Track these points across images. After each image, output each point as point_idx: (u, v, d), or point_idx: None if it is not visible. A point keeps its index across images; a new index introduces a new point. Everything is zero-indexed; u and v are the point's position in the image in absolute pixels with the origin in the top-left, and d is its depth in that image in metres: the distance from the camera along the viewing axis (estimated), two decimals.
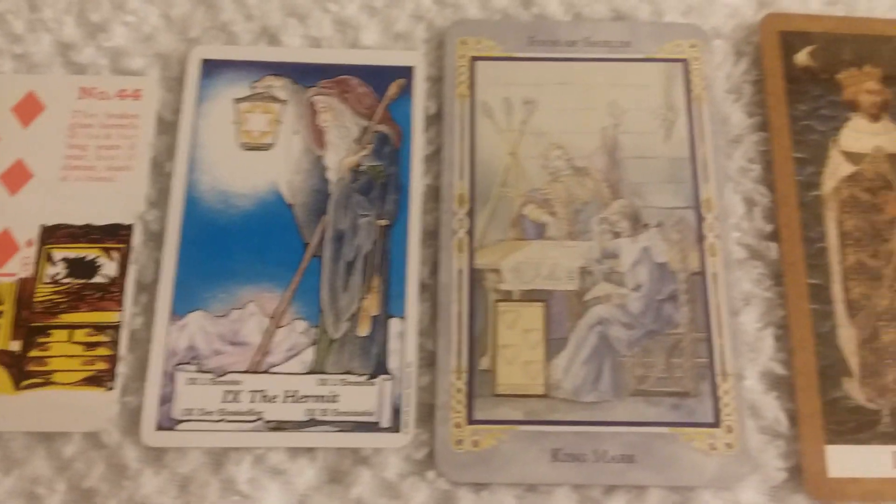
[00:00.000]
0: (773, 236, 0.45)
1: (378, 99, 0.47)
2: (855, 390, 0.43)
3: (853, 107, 0.48)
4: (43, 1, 0.49)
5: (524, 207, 0.46)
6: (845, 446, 0.42)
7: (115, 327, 0.43)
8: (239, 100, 0.47)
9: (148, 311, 0.43)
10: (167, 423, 0.41)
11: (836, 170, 0.47)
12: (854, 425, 0.42)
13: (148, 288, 0.44)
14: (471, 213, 0.45)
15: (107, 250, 0.44)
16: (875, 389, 0.43)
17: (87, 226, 0.44)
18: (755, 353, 0.44)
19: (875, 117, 0.48)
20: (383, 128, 0.47)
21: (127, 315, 0.43)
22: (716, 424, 0.42)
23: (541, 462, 0.41)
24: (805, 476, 0.41)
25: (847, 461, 0.41)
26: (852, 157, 0.47)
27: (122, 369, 0.42)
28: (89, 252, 0.44)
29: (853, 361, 0.43)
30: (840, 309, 0.44)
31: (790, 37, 0.49)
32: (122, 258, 0.44)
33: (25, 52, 0.48)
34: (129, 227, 0.45)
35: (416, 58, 0.48)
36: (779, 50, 0.48)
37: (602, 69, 0.48)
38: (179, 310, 0.43)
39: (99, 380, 0.42)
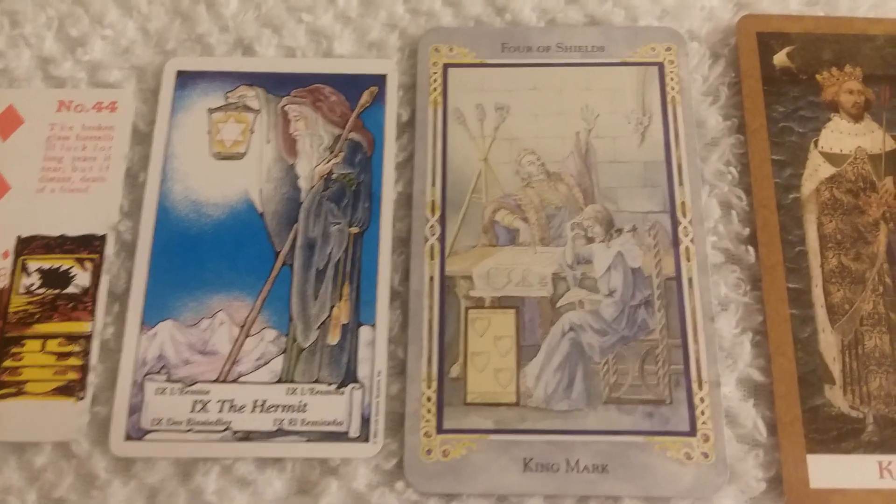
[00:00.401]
0: (751, 240, 0.45)
1: (351, 107, 0.47)
2: (837, 398, 0.42)
3: (833, 107, 0.47)
4: (24, 16, 0.50)
5: (496, 213, 0.45)
6: (828, 456, 0.40)
7: (87, 337, 0.43)
8: (213, 110, 0.47)
9: (119, 320, 0.44)
10: (136, 434, 0.41)
11: (816, 171, 0.46)
12: (836, 434, 0.41)
13: (120, 298, 0.44)
14: (442, 220, 0.45)
15: (80, 261, 0.44)
16: (858, 397, 0.42)
17: (62, 237, 0.45)
18: (732, 360, 0.43)
19: (856, 117, 0.47)
20: (355, 136, 0.47)
21: (98, 325, 0.43)
22: (692, 433, 0.41)
23: (511, 472, 0.40)
24: (786, 487, 0.40)
25: (830, 471, 0.40)
26: (833, 158, 0.46)
27: (92, 379, 0.42)
28: (63, 263, 0.44)
29: (835, 368, 0.42)
30: (821, 313, 0.43)
31: (768, 38, 0.48)
32: (95, 268, 0.44)
33: (6, 66, 0.49)
34: (102, 238, 0.45)
35: (388, 66, 0.48)
36: (756, 51, 0.48)
37: (575, 74, 0.48)
38: (150, 319, 0.43)
39: (70, 390, 0.42)
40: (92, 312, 0.44)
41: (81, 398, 0.42)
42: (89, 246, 0.45)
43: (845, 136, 0.46)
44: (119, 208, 0.46)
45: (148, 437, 0.41)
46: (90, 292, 0.44)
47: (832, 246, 0.44)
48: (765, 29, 0.48)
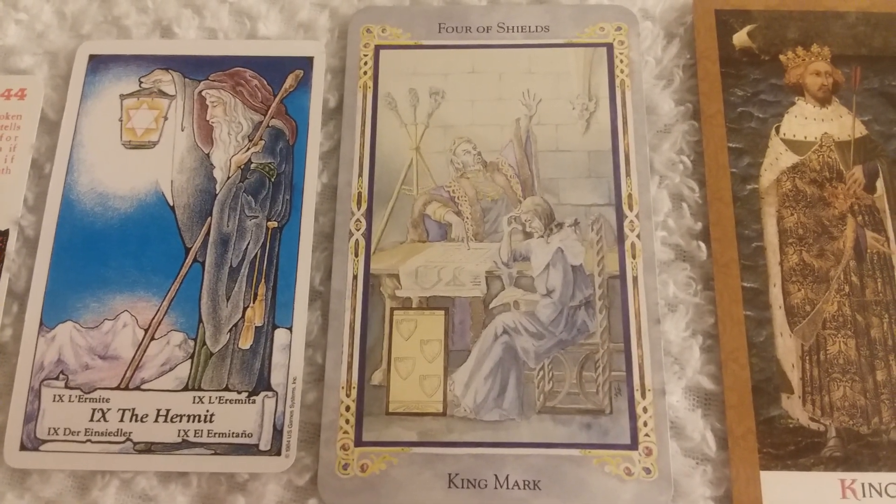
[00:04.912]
0: (703, 235, 0.41)
1: (273, 92, 0.44)
2: (795, 408, 0.38)
3: (798, 90, 0.43)
4: None
5: (427, 206, 0.42)
6: (784, 472, 0.37)
7: None
8: (125, 96, 0.44)
9: (18, 322, 0.41)
10: (31, 444, 0.38)
11: (777, 160, 0.42)
12: (794, 449, 0.37)
13: (21, 297, 0.41)
14: (369, 214, 0.42)
15: None
16: (819, 407, 0.38)
17: None
18: (680, 366, 0.39)
19: (823, 101, 0.43)
20: (277, 122, 0.43)
21: None
22: (633, 446, 0.37)
23: (435, 489, 0.37)
24: None
25: (785, 490, 0.37)
26: (796, 145, 0.42)
27: None
28: None
29: (793, 375, 0.38)
30: (779, 315, 0.39)
31: (727, 15, 0.44)
32: None
33: None
34: (4, 233, 0.42)
35: (315, 48, 0.45)
36: (714, 30, 0.44)
37: (517, 56, 0.44)
38: (49, 321, 0.40)
39: None
40: None
41: None
42: None
43: (810, 122, 0.43)
44: (23, 201, 0.43)
45: (44, 447, 0.38)
46: None
47: (793, 241, 0.40)
48: (724, 6, 0.44)
